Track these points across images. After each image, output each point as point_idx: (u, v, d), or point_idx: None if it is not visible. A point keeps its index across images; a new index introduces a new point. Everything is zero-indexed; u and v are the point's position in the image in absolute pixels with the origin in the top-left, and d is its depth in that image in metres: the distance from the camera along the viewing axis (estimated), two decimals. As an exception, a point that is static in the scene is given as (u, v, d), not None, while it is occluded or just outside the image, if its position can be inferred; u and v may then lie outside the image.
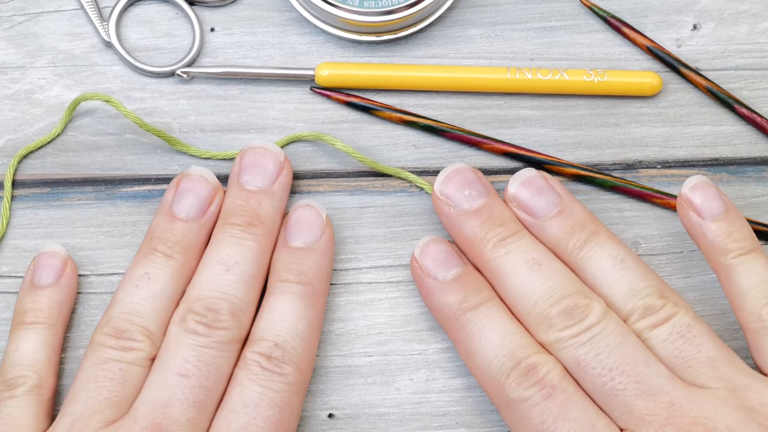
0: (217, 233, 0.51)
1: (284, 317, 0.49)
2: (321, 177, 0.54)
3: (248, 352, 0.48)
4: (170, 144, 0.53)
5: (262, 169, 0.51)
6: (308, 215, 0.51)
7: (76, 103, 0.53)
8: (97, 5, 0.55)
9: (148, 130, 0.52)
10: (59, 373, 0.51)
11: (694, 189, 0.49)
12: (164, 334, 0.49)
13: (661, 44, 0.55)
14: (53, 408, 0.50)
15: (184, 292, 0.50)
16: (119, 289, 0.50)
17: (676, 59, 0.54)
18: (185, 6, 0.55)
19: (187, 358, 0.48)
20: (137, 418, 0.47)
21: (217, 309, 0.48)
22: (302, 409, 0.50)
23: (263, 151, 0.52)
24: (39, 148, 0.54)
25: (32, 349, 0.49)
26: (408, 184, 0.54)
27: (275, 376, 0.48)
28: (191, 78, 0.54)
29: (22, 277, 0.53)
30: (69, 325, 0.52)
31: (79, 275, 0.53)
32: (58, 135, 0.54)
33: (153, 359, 0.49)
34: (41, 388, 0.49)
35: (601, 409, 0.47)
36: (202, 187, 0.51)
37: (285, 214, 0.52)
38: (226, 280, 0.49)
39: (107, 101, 0.52)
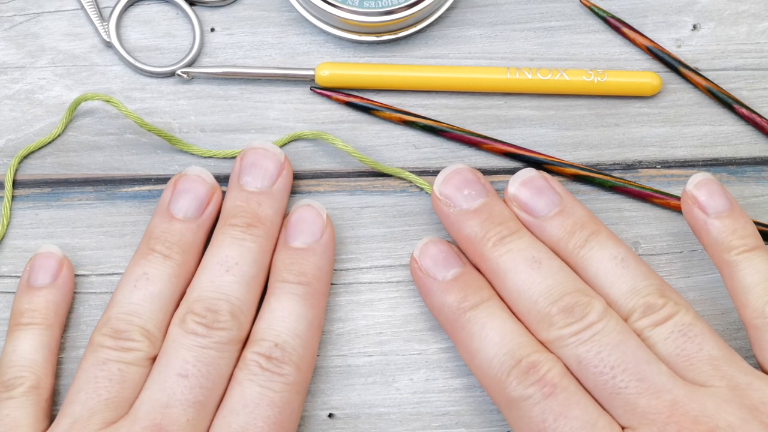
0: (217, 234, 0.51)
1: (284, 317, 0.49)
2: (321, 177, 0.54)
3: (248, 353, 0.48)
4: (172, 143, 0.53)
5: (262, 170, 0.51)
6: (309, 215, 0.51)
7: (77, 103, 0.53)
8: (97, 5, 0.55)
9: (150, 130, 0.52)
10: (58, 374, 0.51)
11: (698, 186, 0.49)
12: (164, 335, 0.49)
13: (660, 44, 0.55)
14: (51, 408, 0.50)
15: (183, 293, 0.50)
16: (118, 289, 0.50)
17: (676, 59, 0.55)
18: (185, 6, 0.55)
19: (187, 359, 0.48)
20: (137, 419, 0.47)
21: (217, 310, 0.48)
22: (303, 409, 0.50)
23: (263, 152, 0.52)
24: (40, 148, 0.54)
25: (29, 350, 0.49)
26: (408, 184, 0.54)
27: (275, 377, 0.48)
28: (191, 78, 0.54)
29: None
30: (69, 325, 0.52)
31: (80, 275, 0.53)
32: (59, 135, 0.54)
33: (153, 359, 0.49)
34: (39, 388, 0.49)
35: (602, 407, 0.47)
36: (200, 186, 0.51)
37: (285, 215, 0.52)
38: (225, 281, 0.49)
39: (108, 101, 0.52)
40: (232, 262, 0.49)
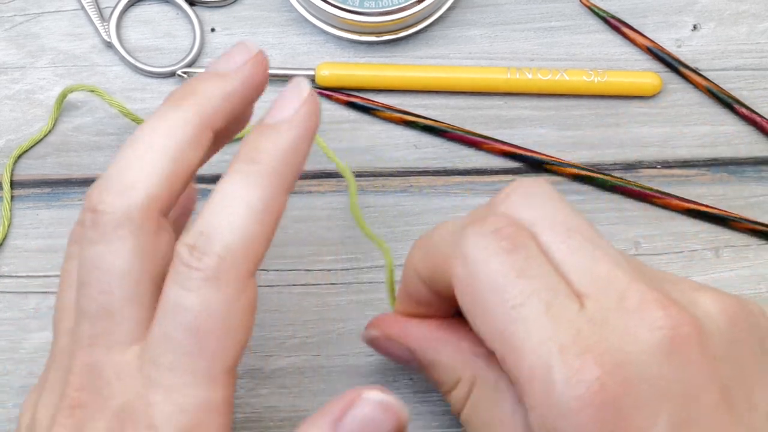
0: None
1: (217, 201, 0.40)
2: (321, 177, 0.54)
3: (176, 243, 0.40)
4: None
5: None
6: (287, 92, 0.42)
7: (63, 96, 0.53)
8: (97, 5, 0.55)
9: (133, 119, 0.52)
10: None
11: None
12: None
13: (661, 44, 0.55)
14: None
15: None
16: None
17: (676, 59, 0.55)
18: (185, 6, 0.55)
19: None
20: None
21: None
22: (249, 317, 0.40)
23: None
24: (31, 147, 0.54)
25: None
26: (409, 184, 0.54)
27: (192, 272, 0.39)
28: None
29: (22, 277, 0.53)
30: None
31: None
32: (50, 131, 0.54)
33: None
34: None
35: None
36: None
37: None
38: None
39: (92, 91, 0.52)
40: None
